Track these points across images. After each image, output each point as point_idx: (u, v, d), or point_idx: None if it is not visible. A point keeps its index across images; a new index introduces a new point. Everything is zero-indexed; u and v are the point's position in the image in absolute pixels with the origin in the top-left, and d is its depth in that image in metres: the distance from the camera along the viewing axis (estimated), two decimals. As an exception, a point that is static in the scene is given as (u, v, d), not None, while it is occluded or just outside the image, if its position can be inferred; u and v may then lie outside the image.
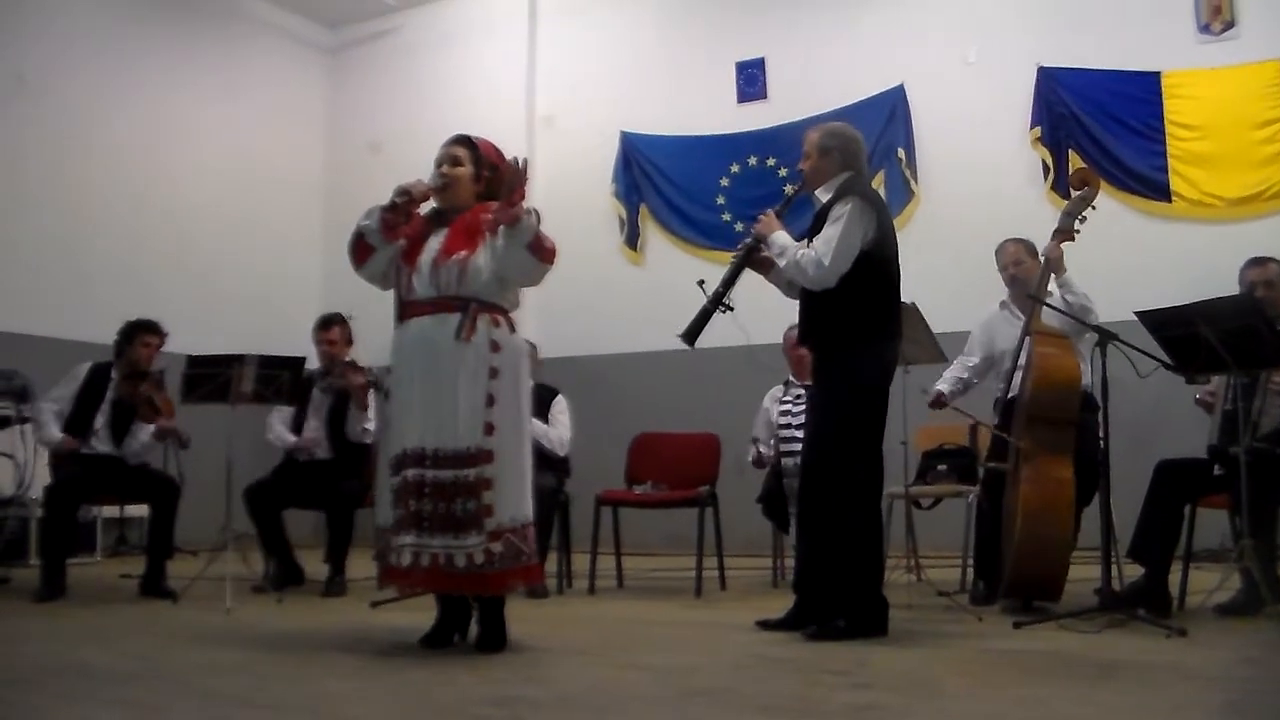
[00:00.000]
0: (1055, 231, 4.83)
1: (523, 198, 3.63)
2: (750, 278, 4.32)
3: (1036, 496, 4.42)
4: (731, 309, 4.18)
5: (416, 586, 3.71)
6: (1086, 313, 4.65)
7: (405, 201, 3.74)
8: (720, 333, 4.30)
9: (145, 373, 5.56)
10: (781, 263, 4.09)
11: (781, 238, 4.11)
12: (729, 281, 4.21)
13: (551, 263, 3.72)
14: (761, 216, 4.23)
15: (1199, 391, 4.81)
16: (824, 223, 4.03)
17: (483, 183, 3.84)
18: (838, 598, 3.97)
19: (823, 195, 4.13)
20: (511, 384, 3.68)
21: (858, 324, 3.99)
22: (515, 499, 3.62)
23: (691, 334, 4.19)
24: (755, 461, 5.83)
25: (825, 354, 4.11)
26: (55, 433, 5.43)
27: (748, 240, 4.28)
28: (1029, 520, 4.38)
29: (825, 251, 3.93)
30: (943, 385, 5.20)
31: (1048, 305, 4.69)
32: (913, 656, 3.58)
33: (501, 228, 3.64)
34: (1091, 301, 4.73)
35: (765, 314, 4.72)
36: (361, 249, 3.82)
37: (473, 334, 3.63)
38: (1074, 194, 4.97)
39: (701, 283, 4.25)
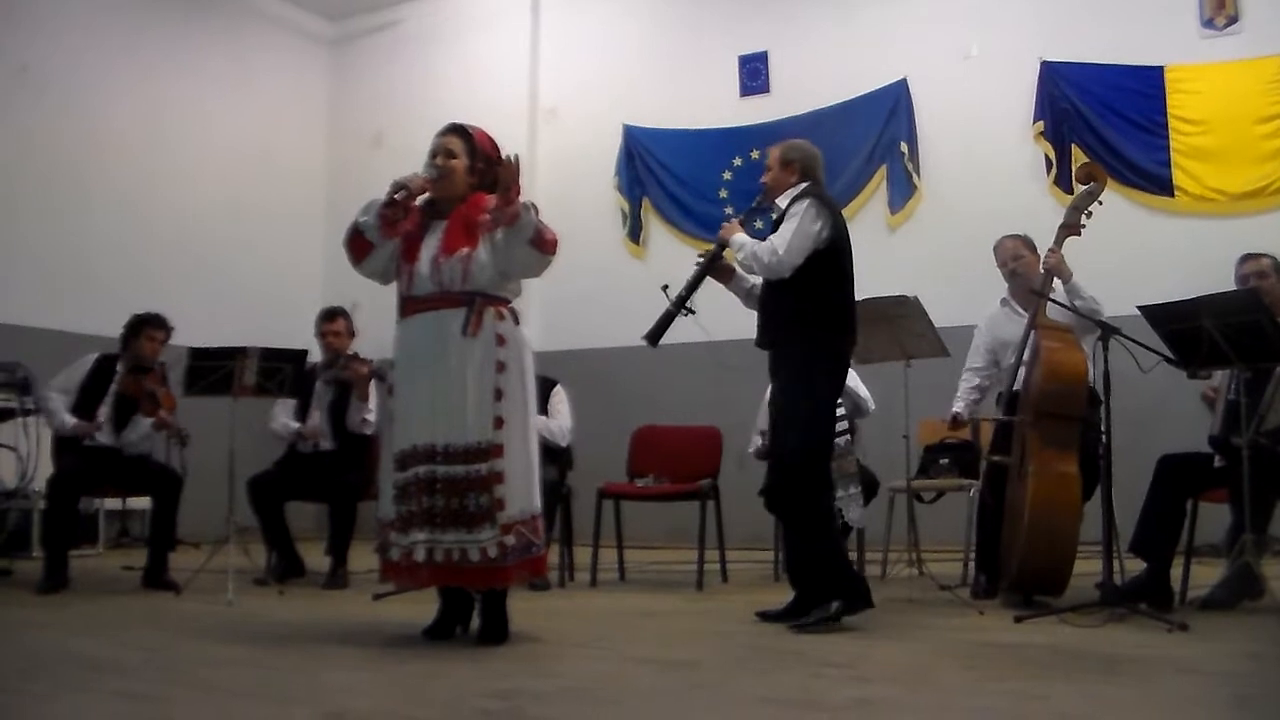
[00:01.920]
0: (1061, 226, 4.82)
1: (519, 194, 3.60)
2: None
3: (1043, 492, 4.41)
4: (693, 312, 4.34)
5: (428, 583, 3.71)
6: (1097, 316, 4.64)
7: (404, 197, 3.71)
8: (723, 326, 4.33)
9: (149, 367, 5.56)
10: (740, 255, 4.25)
11: (742, 237, 4.29)
12: (692, 286, 4.37)
13: (554, 253, 3.71)
14: (725, 224, 4.44)
15: (1205, 386, 4.80)
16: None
17: (477, 174, 3.78)
18: (820, 587, 4.05)
19: (782, 203, 4.28)
20: (518, 377, 3.68)
21: (812, 324, 4.12)
22: (524, 491, 3.63)
23: (654, 335, 4.34)
24: (757, 453, 5.83)
25: (781, 354, 4.23)
26: (69, 418, 5.42)
27: (712, 247, 4.44)
28: (1036, 515, 4.38)
29: (780, 242, 4.09)
30: (958, 407, 5.19)
31: (1052, 300, 4.68)
32: (914, 650, 3.59)
33: (502, 228, 3.62)
34: (1100, 304, 4.73)
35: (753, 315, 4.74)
36: (360, 245, 3.78)
37: (479, 329, 3.62)
38: (1079, 189, 4.96)
39: (665, 287, 4.38)
